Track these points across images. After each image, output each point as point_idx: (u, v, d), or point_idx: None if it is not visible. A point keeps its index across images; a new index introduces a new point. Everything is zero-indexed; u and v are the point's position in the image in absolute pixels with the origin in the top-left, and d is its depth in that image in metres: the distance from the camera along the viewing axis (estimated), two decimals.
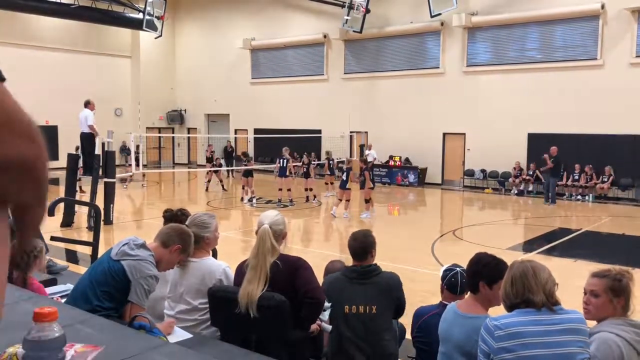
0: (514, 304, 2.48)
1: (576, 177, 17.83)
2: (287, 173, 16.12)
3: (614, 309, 2.63)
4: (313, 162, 18.05)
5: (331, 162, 18.46)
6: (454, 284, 3.54)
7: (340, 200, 14.00)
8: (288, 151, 16.40)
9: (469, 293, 3.08)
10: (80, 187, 15.20)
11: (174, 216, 4.00)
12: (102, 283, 3.03)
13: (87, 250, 8.47)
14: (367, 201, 13.98)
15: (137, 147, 17.32)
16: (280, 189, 16.18)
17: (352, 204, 14.36)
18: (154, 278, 3.08)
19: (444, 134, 21.09)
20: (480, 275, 2.92)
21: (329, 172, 18.38)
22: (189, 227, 3.46)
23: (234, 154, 23.79)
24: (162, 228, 3.38)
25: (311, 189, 16.49)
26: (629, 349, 2.46)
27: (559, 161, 16.58)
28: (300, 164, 18.24)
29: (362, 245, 3.69)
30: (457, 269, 3.60)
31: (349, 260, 3.97)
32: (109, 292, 3.02)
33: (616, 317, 2.60)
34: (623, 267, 2.84)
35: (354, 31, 21.58)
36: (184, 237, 3.24)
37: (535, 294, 2.43)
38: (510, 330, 2.39)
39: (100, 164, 12.56)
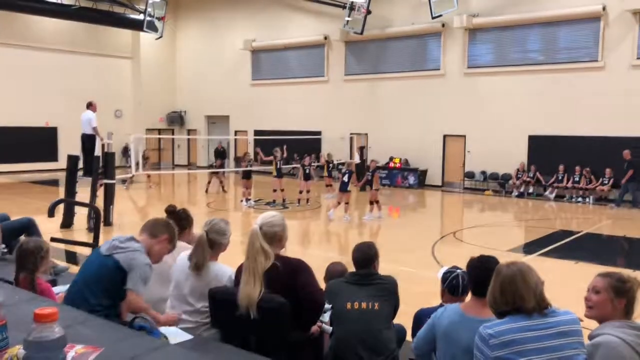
0: (504, 312, 2.44)
1: (577, 179, 17.83)
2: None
3: (613, 309, 2.61)
4: (313, 164, 18.03)
5: (331, 164, 18.44)
6: (455, 286, 3.55)
7: (339, 203, 13.94)
8: (278, 151, 16.36)
9: (471, 295, 3.07)
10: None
11: (174, 212, 4.04)
12: (97, 281, 3.03)
13: (86, 251, 8.46)
14: (372, 203, 13.95)
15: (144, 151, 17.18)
16: (275, 190, 16.15)
17: (353, 206, 14.34)
18: (148, 266, 3.10)
19: (445, 136, 21.08)
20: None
21: (327, 174, 18.33)
22: (209, 233, 3.46)
23: (225, 154, 23.63)
24: (147, 221, 3.43)
25: (308, 191, 16.46)
26: (630, 351, 2.45)
27: (632, 164, 16.34)
28: (300, 165, 18.13)
29: (365, 256, 3.77)
30: (458, 270, 3.61)
31: (349, 263, 3.99)
32: (106, 289, 3.02)
33: (617, 319, 2.59)
34: (631, 273, 2.82)
35: (354, 32, 21.59)
36: (170, 228, 3.32)
37: (526, 301, 2.39)
38: (504, 338, 2.36)
39: (101, 165, 12.57)
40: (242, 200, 16.51)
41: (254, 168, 17.04)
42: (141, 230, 3.33)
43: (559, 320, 2.39)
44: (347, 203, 13.81)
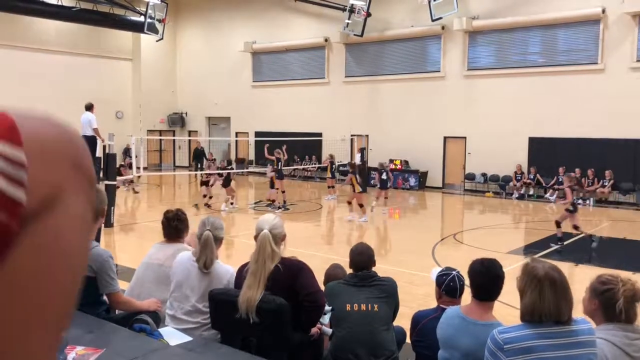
0: (540, 322, 2.31)
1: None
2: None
3: (590, 309, 2.58)
4: (313, 165, 18.01)
5: (333, 165, 18.41)
6: (453, 288, 3.54)
7: (350, 203, 13.88)
8: (279, 152, 16.24)
9: (472, 299, 3.06)
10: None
11: (175, 215, 4.06)
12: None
13: None
14: (362, 206, 13.91)
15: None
16: (279, 191, 16.08)
17: (352, 207, 14.31)
18: (110, 257, 3.06)
19: (445, 138, 21.08)
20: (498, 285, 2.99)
21: (330, 176, 18.32)
22: (212, 231, 3.48)
23: (204, 155, 23.39)
24: None
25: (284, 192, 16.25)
26: (616, 350, 2.44)
27: None
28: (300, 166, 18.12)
29: (363, 258, 3.79)
30: (453, 272, 3.60)
31: (348, 264, 3.99)
32: (82, 304, 2.96)
33: (607, 322, 2.55)
34: (631, 276, 2.78)
35: (355, 35, 21.60)
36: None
37: (562, 316, 2.30)
38: (521, 344, 2.28)
39: (101, 167, 12.60)
40: (232, 204, 15.96)
41: (256, 169, 16.97)
42: None
43: (577, 330, 2.32)
44: (360, 205, 13.73)
